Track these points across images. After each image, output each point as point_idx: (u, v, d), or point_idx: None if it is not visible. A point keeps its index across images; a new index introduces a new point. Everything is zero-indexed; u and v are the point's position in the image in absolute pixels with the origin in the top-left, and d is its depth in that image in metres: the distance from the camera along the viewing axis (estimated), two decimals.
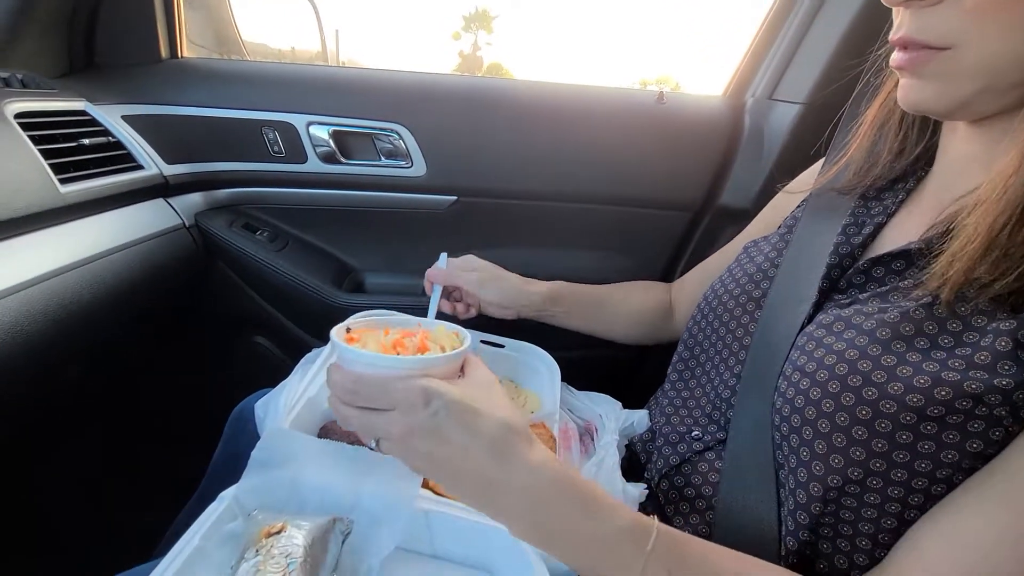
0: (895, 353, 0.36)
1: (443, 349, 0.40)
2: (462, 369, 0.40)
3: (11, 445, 0.71)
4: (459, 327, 0.44)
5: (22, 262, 0.57)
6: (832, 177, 0.52)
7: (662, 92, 0.94)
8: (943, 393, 0.33)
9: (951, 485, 0.34)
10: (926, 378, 0.34)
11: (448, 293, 0.71)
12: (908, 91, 0.38)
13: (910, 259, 0.41)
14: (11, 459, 0.73)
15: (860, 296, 0.42)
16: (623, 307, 0.73)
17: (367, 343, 0.39)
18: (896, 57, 0.38)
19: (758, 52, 0.95)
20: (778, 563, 0.40)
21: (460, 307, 0.70)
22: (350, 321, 0.43)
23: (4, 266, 0.55)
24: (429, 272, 0.69)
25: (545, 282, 0.71)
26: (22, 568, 0.76)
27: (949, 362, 0.35)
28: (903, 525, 0.36)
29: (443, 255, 0.71)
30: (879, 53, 0.50)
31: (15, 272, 0.56)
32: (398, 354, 0.38)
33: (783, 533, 0.41)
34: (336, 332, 0.40)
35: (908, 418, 0.34)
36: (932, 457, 0.34)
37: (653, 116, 0.93)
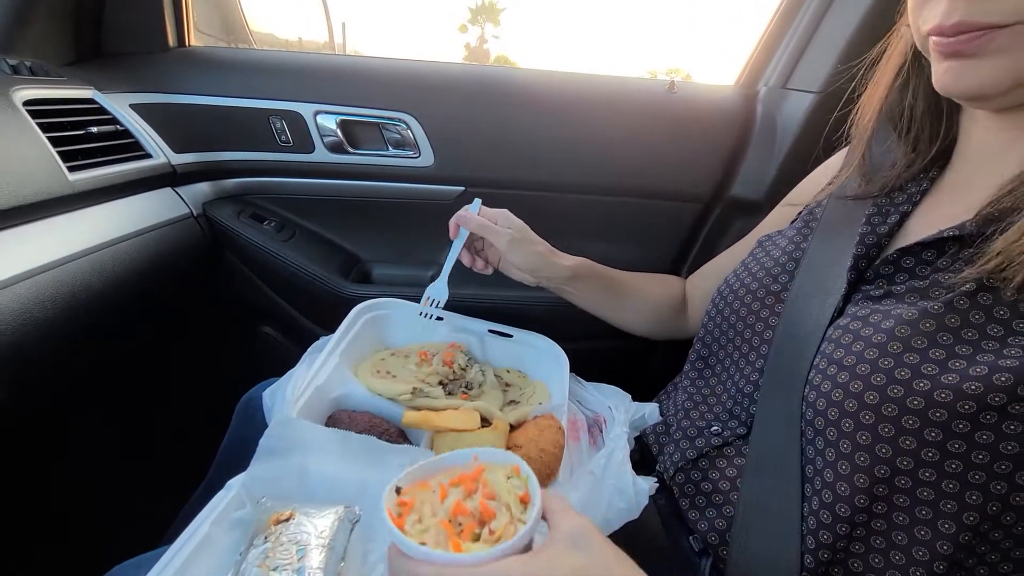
0: (943, 346, 0.36)
1: (509, 508, 0.34)
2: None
3: (21, 431, 0.71)
4: (514, 457, 0.37)
5: (31, 249, 0.57)
6: (840, 186, 0.51)
7: (673, 81, 0.93)
8: (1003, 379, 0.33)
9: (1011, 482, 0.33)
10: (982, 367, 0.34)
11: (470, 242, 0.67)
12: (961, 74, 0.37)
13: (942, 248, 0.40)
14: (21, 445, 0.74)
15: (894, 289, 0.41)
16: (639, 298, 0.72)
17: (423, 512, 0.34)
18: (946, 42, 0.36)
19: (771, 40, 0.93)
20: (797, 560, 0.39)
21: (479, 262, 0.67)
22: (399, 478, 0.36)
23: (14, 253, 0.55)
24: (460, 214, 0.65)
25: (572, 257, 0.68)
26: (31, 554, 0.77)
27: (1004, 350, 0.34)
28: (964, 531, 0.35)
29: (477, 200, 0.67)
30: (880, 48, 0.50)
31: (25, 259, 0.56)
32: (460, 525, 0.33)
33: (807, 529, 0.40)
34: (387, 498, 0.34)
35: (967, 406, 0.33)
36: (990, 448, 0.33)
37: (664, 106, 0.91)
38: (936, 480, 0.35)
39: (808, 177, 0.63)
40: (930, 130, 0.46)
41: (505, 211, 0.67)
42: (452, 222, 0.65)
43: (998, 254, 0.34)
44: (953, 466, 0.34)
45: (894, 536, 0.37)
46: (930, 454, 0.35)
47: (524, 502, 0.35)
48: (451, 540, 0.32)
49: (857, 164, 0.50)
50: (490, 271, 0.68)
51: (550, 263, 0.66)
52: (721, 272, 0.66)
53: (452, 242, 0.65)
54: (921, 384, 0.35)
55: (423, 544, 0.32)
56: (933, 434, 0.34)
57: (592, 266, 0.70)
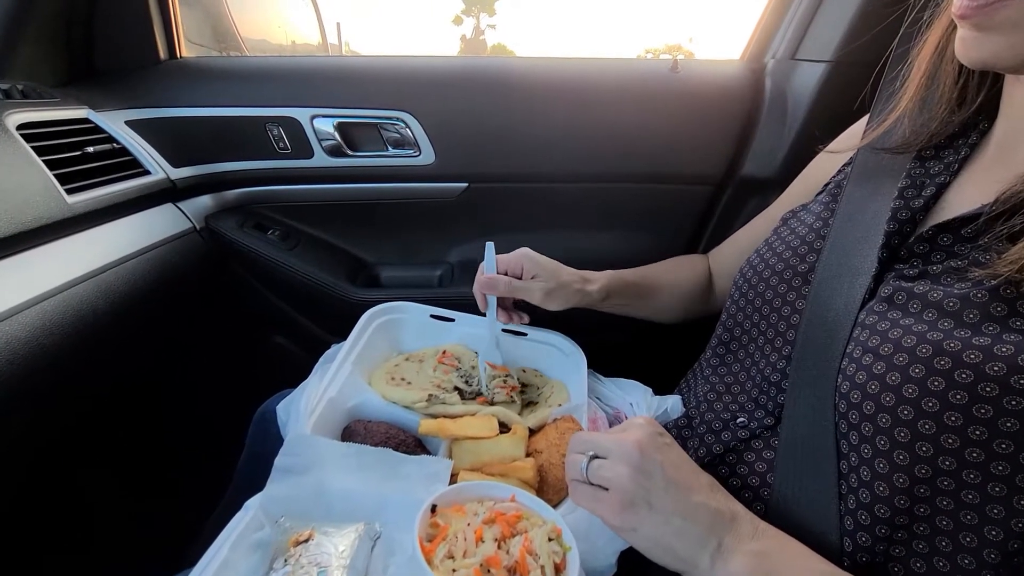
0: (988, 334, 0.33)
1: (543, 570, 0.36)
2: None
3: (37, 458, 0.71)
4: (553, 513, 0.40)
5: (35, 276, 0.56)
6: (881, 135, 0.47)
7: (676, 60, 0.90)
8: None
9: None
10: None
11: (501, 300, 0.64)
12: (971, 44, 0.35)
13: (983, 223, 0.37)
14: (38, 472, 0.74)
15: (930, 269, 0.39)
16: (668, 291, 0.70)
17: (455, 547, 0.36)
18: (960, 5, 0.34)
19: (778, 9, 0.89)
20: (838, 562, 0.37)
21: (516, 317, 0.65)
22: (436, 496, 0.40)
23: (17, 280, 0.54)
24: (482, 281, 0.60)
25: (601, 276, 0.66)
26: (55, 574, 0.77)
27: None
28: (1013, 538, 0.32)
29: (490, 246, 0.61)
30: None
31: (29, 286, 0.55)
32: (490, 572, 0.35)
33: (844, 530, 0.38)
34: (421, 520, 0.37)
35: (1014, 403, 0.31)
36: None
37: (668, 86, 0.88)
38: (981, 483, 0.33)
39: (851, 129, 0.57)
40: (977, 81, 0.43)
41: (526, 252, 0.62)
42: (477, 292, 0.62)
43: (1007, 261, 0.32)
44: (1000, 468, 0.32)
45: (938, 541, 0.35)
46: (974, 454, 0.32)
47: (559, 570, 0.36)
48: None
49: (908, 108, 0.46)
50: (527, 319, 0.66)
51: (585, 295, 0.64)
52: (741, 246, 0.63)
53: (486, 314, 0.62)
54: (963, 375, 0.33)
55: None
56: (978, 432, 0.32)
57: (621, 278, 0.67)
